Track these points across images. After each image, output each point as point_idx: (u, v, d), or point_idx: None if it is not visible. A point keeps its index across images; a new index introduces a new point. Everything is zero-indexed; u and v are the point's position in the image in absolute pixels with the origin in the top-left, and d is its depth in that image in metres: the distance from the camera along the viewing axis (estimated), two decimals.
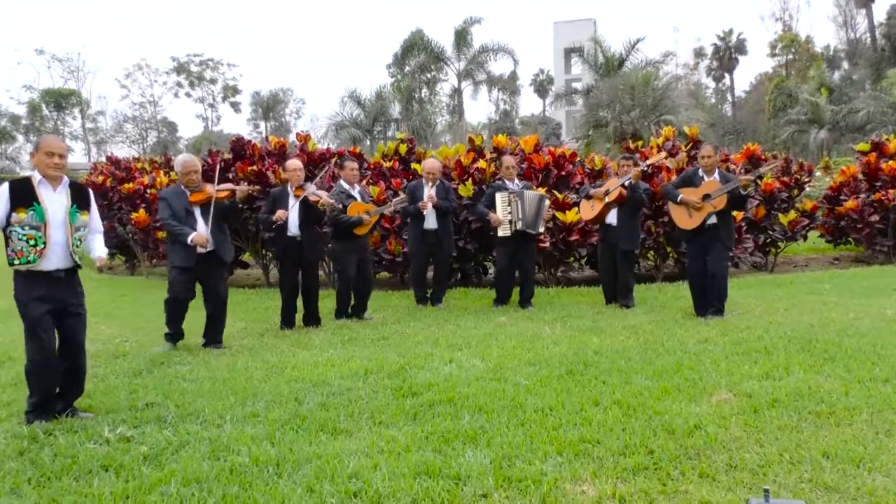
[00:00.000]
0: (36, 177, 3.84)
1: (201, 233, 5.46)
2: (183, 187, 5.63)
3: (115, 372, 4.98)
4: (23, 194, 3.77)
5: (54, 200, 3.84)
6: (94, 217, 4.16)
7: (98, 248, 4.22)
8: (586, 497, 2.78)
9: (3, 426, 3.80)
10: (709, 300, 6.42)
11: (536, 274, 9.49)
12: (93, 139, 66.80)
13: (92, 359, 5.36)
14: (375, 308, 7.47)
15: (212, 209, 5.52)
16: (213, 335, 5.81)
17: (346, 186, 6.94)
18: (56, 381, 3.96)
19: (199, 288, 5.79)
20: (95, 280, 11.38)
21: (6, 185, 3.82)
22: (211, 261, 5.63)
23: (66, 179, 3.95)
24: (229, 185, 5.91)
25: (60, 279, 3.85)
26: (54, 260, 3.82)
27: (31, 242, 3.74)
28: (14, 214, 3.73)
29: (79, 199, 3.97)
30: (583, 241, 8.78)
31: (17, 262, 3.75)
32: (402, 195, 7.66)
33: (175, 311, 5.74)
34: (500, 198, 7.21)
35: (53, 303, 3.84)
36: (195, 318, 5.90)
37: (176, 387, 4.51)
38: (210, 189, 5.62)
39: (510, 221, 7.16)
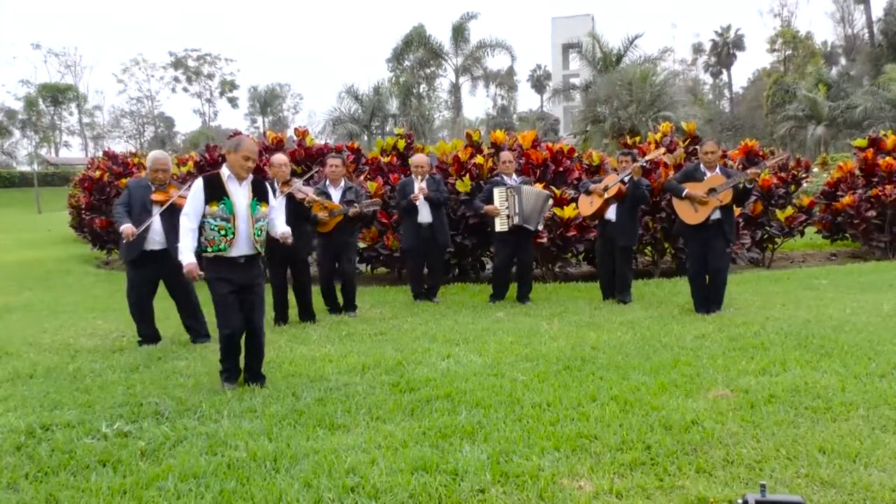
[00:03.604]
0: (225, 172, 4.25)
1: (132, 227, 5.38)
2: (149, 182, 5.66)
3: (112, 367, 4.97)
4: (215, 189, 4.19)
5: (239, 194, 4.25)
6: (272, 205, 4.51)
7: (280, 225, 4.58)
8: (583, 492, 2.78)
9: (0, 421, 3.79)
10: (710, 298, 6.39)
11: (534, 269, 9.51)
12: (90, 134, 66.71)
13: (90, 354, 5.38)
14: (373, 303, 7.48)
15: (163, 208, 5.47)
16: (195, 331, 5.82)
17: (327, 184, 6.96)
18: (239, 352, 4.39)
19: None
20: (93, 275, 11.37)
21: (200, 180, 4.23)
22: (166, 261, 5.47)
23: (249, 175, 4.31)
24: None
25: (241, 264, 4.27)
26: (240, 248, 4.24)
27: (222, 233, 4.17)
28: (207, 207, 4.16)
29: (259, 193, 4.34)
30: (580, 236, 8.79)
31: (209, 249, 4.18)
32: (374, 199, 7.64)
33: (138, 315, 5.73)
34: (497, 192, 7.24)
35: (236, 284, 4.26)
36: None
37: (173, 382, 4.50)
38: (173, 192, 5.60)
39: (507, 216, 7.18)
